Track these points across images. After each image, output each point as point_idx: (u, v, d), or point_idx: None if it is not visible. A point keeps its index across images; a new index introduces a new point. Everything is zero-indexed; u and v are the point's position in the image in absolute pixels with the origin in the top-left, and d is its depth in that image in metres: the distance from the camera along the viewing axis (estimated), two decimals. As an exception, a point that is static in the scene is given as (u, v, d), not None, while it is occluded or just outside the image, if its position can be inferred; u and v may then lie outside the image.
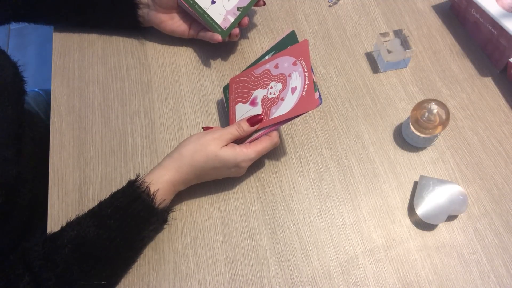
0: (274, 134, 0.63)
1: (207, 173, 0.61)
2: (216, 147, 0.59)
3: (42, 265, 0.52)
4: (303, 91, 0.60)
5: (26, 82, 0.71)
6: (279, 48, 0.67)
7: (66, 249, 0.53)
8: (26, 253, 0.53)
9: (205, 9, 0.71)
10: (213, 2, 0.69)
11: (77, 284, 0.53)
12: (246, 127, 0.62)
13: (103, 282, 0.55)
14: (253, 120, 0.62)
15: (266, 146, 0.61)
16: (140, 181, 0.58)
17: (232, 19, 0.69)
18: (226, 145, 0.60)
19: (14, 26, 0.77)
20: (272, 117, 0.62)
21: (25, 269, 0.52)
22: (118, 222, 0.55)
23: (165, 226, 0.63)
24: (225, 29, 0.71)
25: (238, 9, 0.67)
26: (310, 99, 0.59)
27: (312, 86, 0.60)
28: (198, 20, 0.73)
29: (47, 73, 0.77)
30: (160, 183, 0.58)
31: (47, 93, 0.97)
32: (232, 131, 0.61)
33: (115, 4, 0.74)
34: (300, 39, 0.79)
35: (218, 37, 0.71)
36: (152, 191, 0.57)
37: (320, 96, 0.60)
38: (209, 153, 0.59)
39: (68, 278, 0.53)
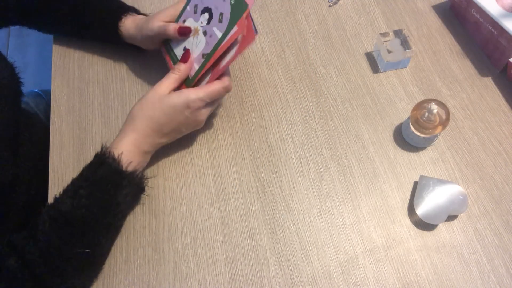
0: (226, 78, 0.63)
1: (163, 124, 0.61)
2: (160, 93, 0.61)
3: (25, 243, 0.54)
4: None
5: (23, 83, 0.71)
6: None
7: (46, 224, 0.55)
8: (12, 237, 0.55)
9: (176, 57, 0.69)
10: (185, 49, 0.67)
11: (61, 254, 0.55)
12: (182, 66, 0.63)
13: (86, 250, 0.56)
14: (184, 57, 0.64)
15: (215, 87, 0.62)
16: (104, 148, 0.59)
17: (197, 67, 0.65)
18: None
19: (14, 26, 0.77)
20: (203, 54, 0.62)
21: (11, 249, 0.54)
22: (88, 189, 0.57)
23: (145, 195, 0.64)
24: (190, 77, 0.66)
25: (203, 56, 0.65)
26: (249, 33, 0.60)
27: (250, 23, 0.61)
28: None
29: (47, 73, 0.77)
30: (122, 146, 0.59)
31: (47, 94, 0.97)
32: (169, 75, 0.62)
33: (103, 29, 0.73)
34: (300, 39, 0.80)
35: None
36: (116, 155, 0.58)
37: (254, 26, 0.61)
38: (154, 100, 0.60)
39: (49, 249, 0.54)
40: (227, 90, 0.64)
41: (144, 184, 0.63)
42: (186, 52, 0.65)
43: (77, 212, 0.56)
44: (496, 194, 0.64)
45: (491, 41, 0.72)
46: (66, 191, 0.58)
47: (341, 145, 0.69)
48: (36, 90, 0.98)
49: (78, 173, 0.60)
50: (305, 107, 0.72)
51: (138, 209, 0.66)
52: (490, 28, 0.71)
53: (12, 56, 0.70)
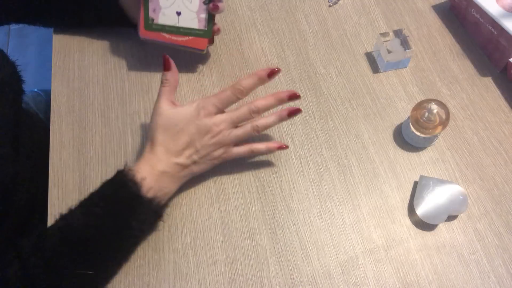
0: (237, 83, 0.60)
1: (173, 135, 0.59)
2: (163, 109, 0.59)
3: (31, 252, 0.53)
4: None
5: (24, 81, 0.71)
6: None
7: (55, 238, 0.54)
8: (19, 243, 0.54)
9: (176, 26, 0.68)
10: (179, 14, 0.67)
11: (65, 272, 0.54)
12: (168, 75, 0.61)
13: (90, 272, 0.55)
14: (165, 65, 0.62)
15: (227, 92, 0.59)
16: (127, 169, 0.58)
17: (205, 15, 0.66)
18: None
19: (14, 26, 0.77)
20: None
21: (16, 257, 0.53)
22: (104, 209, 0.56)
23: (161, 223, 0.62)
24: (205, 29, 0.68)
25: (204, 2, 0.64)
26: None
27: None
28: (172, 44, 0.70)
29: (47, 73, 0.77)
30: (145, 171, 0.58)
31: (47, 94, 0.97)
32: (161, 90, 0.61)
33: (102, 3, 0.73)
34: (300, 39, 0.80)
35: (201, 43, 0.70)
36: (139, 178, 0.57)
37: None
38: (161, 117, 0.59)
39: (55, 265, 0.53)
40: (238, 91, 0.60)
41: (163, 212, 0.61)
42: (165, 59, 0.62)
43: (88, 231, 0.55)
44: (496, 194, 0.64)
45: (491, 41, 0.72)
46: (81, 205, 0.56)
47: (341, 145, 0.69)
48: (36, 90, 0.98)
49: (99, 186, 0.58)
50: (305, 107, 0.72)
51: (138, 209, 0.66)
52: (490, 28, 0.71)
53: (12, 56, 0.70)
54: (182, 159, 0.59)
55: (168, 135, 0.59)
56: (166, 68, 0.62)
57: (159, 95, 0.61)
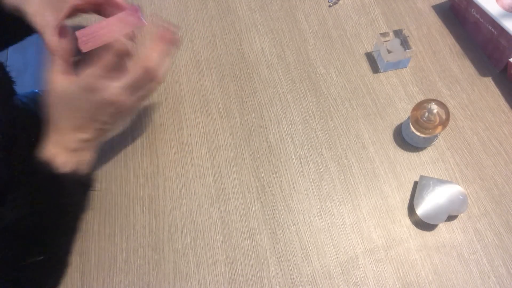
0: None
1: (76, 117, 0.54)
2: (55, 79, 0.53)
3: None
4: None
5: (15, 82, 0.69)
6: None
7: None
8: None
9: None
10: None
11: (15, 267, 0.53)
12: (54, 41, 0.54)
13: (41, 257, 0.53)
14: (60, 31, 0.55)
15: (106, 56, 0.51)
16: (38, 156, 0.55)
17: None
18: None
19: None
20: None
21: None
22: (24, 198, 0.54)
23: (94, 190, 0.61)
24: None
25: None
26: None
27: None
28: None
29: (47, 73, 0.76)
30: (55, 151, 0.55)
31: (47, 94, 0.97)
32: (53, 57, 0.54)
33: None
34: (300, 39, 0.80)
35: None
36: (48, 159, 0.54)
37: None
38: (53, 90, 0.53)
39: (4, 264, 0.52)
40: (121, 52, 0.52)
41: (90, 182, 0.59)
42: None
43: (19, 223, 0.53)
44: (496, 194, 0.64)
45: (491, 41, 0.72)
46: (4, 205, 0.54)
47: (341, 145, 0.69)
48: (36, 90, 0.97)
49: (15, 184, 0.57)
50: (305, 107, 0.72)
51: (138, 209, 0.66)
52: (490, 28, 0.71)
53: (12, 57, 0.70)
54: (89, 134, 0.56)
55: (66, 114, 0.54)
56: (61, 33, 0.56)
57: (51, 66, 0.54)
